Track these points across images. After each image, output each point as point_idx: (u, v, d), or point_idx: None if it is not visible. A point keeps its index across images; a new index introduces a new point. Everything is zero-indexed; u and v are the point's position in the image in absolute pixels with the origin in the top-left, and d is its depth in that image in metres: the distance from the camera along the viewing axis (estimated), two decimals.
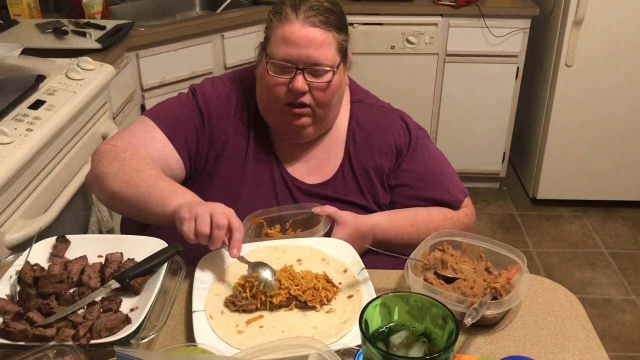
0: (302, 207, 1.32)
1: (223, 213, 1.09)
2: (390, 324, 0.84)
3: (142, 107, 2.46)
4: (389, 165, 1.41)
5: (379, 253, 1.19)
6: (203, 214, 1.08)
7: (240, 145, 1.37)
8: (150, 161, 1.29)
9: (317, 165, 1.40)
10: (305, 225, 1.29)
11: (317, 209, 1.28)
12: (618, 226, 3.12)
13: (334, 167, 1.40)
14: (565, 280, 2.69)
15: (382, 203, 1.41)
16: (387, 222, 1.35)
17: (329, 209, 1.28)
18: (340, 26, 1.29)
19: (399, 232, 1.35)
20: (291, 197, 1.38)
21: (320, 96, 1.29)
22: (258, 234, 1.29)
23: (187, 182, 1.36)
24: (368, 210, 1.39)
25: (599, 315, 2.52)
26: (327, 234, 1.26)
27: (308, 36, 1.25)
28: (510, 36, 2.94)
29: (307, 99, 1.29)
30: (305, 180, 1.39)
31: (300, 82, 1.26)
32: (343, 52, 1.32)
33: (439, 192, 1.42)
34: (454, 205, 1.43)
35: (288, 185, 1.38)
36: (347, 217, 1.29)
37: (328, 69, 1.27)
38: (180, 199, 1.15)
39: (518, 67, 3.03)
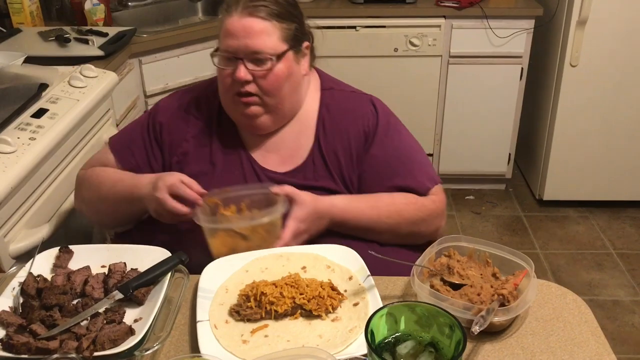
0: (260, 186, 1.31)
1: (173, 200, 1.25)
2: (397, 334, 0.83)
3: None
4: (358, 149, 1.40)
5: (383, 260, 1.17)
6: (164, 216, 1.28)
7: (203, 145, 1.40)
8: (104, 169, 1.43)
9: (289, 154, 1.41)
10: (263, 206, 1.27)
11: (276, 189, 1.28)
12: (626, 226, 3.10)
13: (304, 153, 1.41)
14: (572, 282, 2.68)
15: (351, 187, 1.41)
16: (346, 203, 1.35)
17: (287, 189, 1.28)
18: (283, 15, 1.31)
19: (359, 214, 1.35)
20: None
21: (265, 84, 1.31)
22: (213, 214, 1.27)
23: None
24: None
25: (607, 317, 2.50)
26: (286, 214, 1.25)
27: (245, 26, 1.28)
28: (514, 37, 2.93)
29: (252, 87, 1.32)
30: (277, 170, 1.40)
31: (242, 71, 1.29)
32: (292, 42, 1.33)
33: (403, 179, 1.41)
34: (420, 192, 1.41)
35: (259, 176, 1.39)
36: (306, 197, 1.29)
37: (269, 57, 1.29)
38: (141, 191, 1.31)
39: (522, 68, 3.01)
